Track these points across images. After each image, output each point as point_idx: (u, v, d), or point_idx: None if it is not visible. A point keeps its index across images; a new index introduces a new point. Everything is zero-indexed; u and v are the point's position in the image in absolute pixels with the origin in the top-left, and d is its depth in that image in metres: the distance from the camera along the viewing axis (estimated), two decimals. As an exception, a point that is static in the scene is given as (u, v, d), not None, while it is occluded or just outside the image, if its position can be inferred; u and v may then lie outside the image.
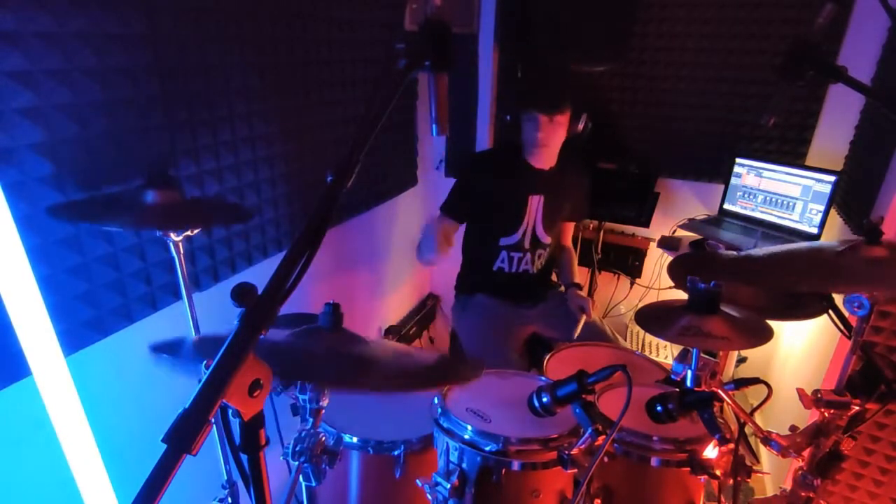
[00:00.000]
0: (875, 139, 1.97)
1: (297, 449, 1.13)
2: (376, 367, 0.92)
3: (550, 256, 2.14)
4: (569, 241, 2.23)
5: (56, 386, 1.12)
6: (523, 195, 1.96)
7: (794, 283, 1.13)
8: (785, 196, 2.25)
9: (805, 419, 1.30)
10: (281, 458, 1.09)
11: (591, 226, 2.76)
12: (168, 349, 0.89)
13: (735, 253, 1.27)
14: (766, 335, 1.09)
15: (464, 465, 1.15)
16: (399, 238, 2.71)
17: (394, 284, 2.77)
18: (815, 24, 1.05)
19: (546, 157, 1.94)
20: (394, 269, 2.73)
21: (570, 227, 2.22)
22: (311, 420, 0.98)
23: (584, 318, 1.89)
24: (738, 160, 2.41)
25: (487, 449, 1.12)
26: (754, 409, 1.08)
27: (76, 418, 1.17)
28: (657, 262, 2.71)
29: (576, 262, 2.22)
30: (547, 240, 2.05)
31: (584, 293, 2.04)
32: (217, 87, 1.44)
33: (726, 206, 2.46)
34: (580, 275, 2.84)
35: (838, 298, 1.16)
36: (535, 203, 1.98)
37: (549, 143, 1.88)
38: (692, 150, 2.63)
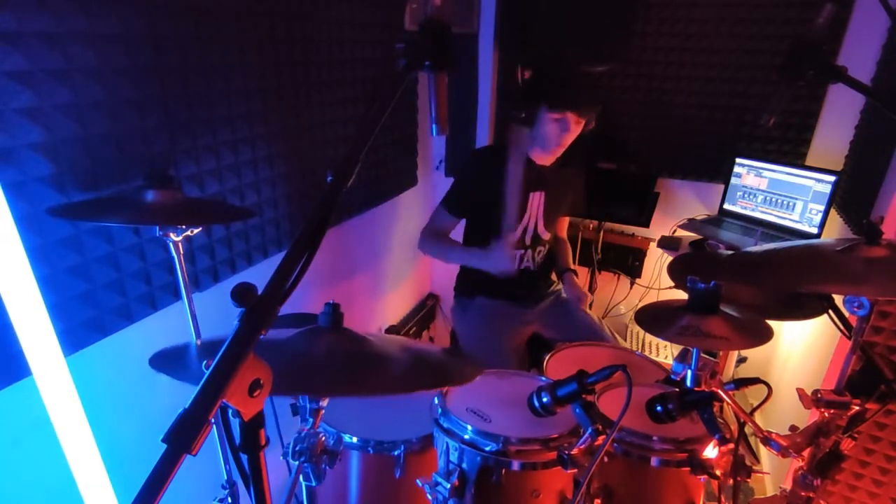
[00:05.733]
0: (875, 139, 1.97)
1: (297, 449, 1.13)
2: (382, 370, 0.92)
3: (550, 252, 2.14)
4: (564, 234, 2.25)
5: (56, 386, 1.12)
6: (524, 192, 1.96)
7: (794, 283, 1.13)
8: (785, 196, 2.25)
9: (805, 419, 1.30)
10: (281, 458, 1.09)
11: (591, 226, 2.76)
12: (168, 363, 0.89)
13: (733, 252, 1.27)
14: (766, 335, 1.10)
15: (464, 465, 1.15)
16: (399, 238, 2.70)
17: (394, 284, 2.78)
18: (815, 24, 1.05)
19: (554, 154, 1.94)
20: (394, 269, 2.73)
21: (565, 221, 2.23)
22: (311, 420, 0.98)
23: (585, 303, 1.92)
24: (738, 160, 2.41)
25: (487, 449, 1.12)
26: (754, 409, 1.08)
27: (76, 418, 1.17)
28: (657, 262, 2.71)
29: (570, 251, 2.24)
30: (546, 236, 2.05)
31: (579, 281, 2.07)
32: (217, 87, 1.43)
33: (726, 205, 2.46)
34: (581, 275, 2.84)
35: (838, 298, 1.16)
36: (537, 200, 1.97)
37: (568, 142, 1.88)
38: (692, 150, 2.63)
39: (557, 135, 1.84)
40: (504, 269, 1.80)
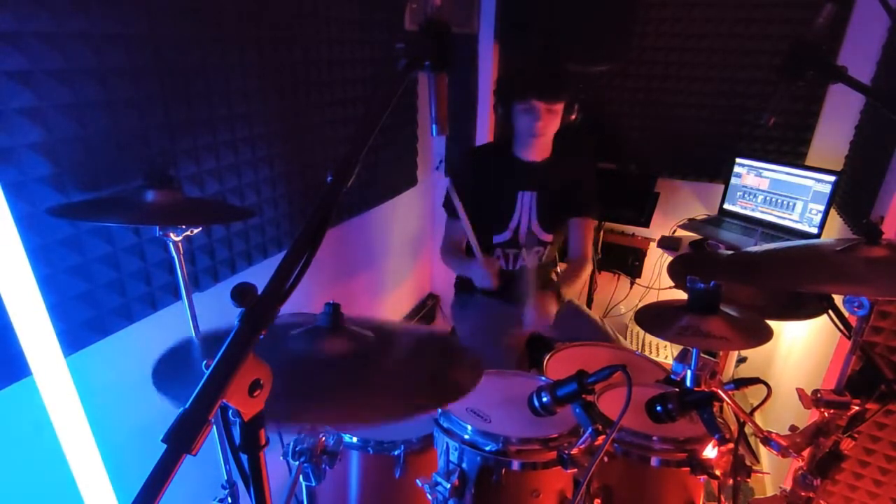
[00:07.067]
0: (875, 139, 1.97)
1: (297, 449, 1.13)
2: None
3: (553, 255, 2.13)
4: (588, 251, 2.04)
5: (56, 386, 1.12)
6: (511, 192, 1.94)
7: (794, 283, 1.13)
8: (785, 196, 2.25)
9: (805, 419, 1.30)
10: (281, 458, 1.09)
11: (592, 225, 2.76)
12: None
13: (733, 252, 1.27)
14: (766, 335, 1.10)
15: (464, 465, 1.14)
16: (399, 238, 2.71)
17: (394, 284, 2.77)
18: (815, 24, 1.05)
19: (539, 148, 1.91)
20: (393, 269, 2.73)
21: (587, 230, 2.07)
22: (311, 420, 0.98)
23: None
24: (738, 160, 2.41)
25: (487, 449, 1.12)
26: (754, 409, 1.08)
27: (76, 418, 1.17)
28: (657, 262, 2.71)
29: (580, 274, 2.01)
30: (546, 237, 2.02)
31: (553, 303, 1.89)
32: (217, 87, 1.43)
33: (726, 206, 2.46)
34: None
35: (838, 298, 1.16)
36: (527, 199, 1.95)
37: (545, 132, 1.85)
38: (692, 150, 2.63)
39: (529, 125, 1.82)
40: (483, 285, 1.86)
